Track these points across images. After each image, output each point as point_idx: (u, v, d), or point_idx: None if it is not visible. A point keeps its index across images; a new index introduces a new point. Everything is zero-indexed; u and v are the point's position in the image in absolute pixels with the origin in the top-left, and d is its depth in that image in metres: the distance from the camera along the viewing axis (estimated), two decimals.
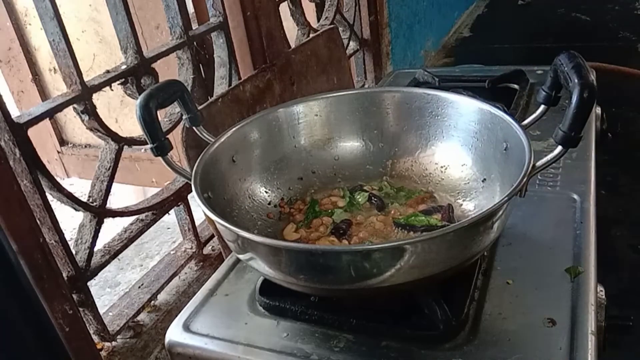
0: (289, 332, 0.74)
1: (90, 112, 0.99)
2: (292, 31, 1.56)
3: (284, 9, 1.51)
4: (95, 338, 1.01)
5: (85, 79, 0.98)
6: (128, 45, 1.06)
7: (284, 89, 1.35)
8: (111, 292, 2.28)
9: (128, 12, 1.04)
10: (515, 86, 1.32)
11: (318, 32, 1.55)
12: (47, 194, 0.91)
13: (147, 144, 0.76)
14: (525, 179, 0.65)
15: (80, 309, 0.96)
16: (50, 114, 0.92)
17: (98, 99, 1.00)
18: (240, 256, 0.72)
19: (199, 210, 0.74)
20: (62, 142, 2.26)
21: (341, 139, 0.98)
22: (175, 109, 1.19)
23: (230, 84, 1.30)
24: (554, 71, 0.73)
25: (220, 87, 1.31)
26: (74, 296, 0.95)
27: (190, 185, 0.74)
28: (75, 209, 0.99)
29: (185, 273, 1.24)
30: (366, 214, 0.87)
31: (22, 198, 0.82)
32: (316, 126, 0.96)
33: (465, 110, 0.87)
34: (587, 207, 0.89)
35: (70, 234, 2.18)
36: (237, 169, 0.87)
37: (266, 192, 0.91)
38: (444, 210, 0.84)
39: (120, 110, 2.01)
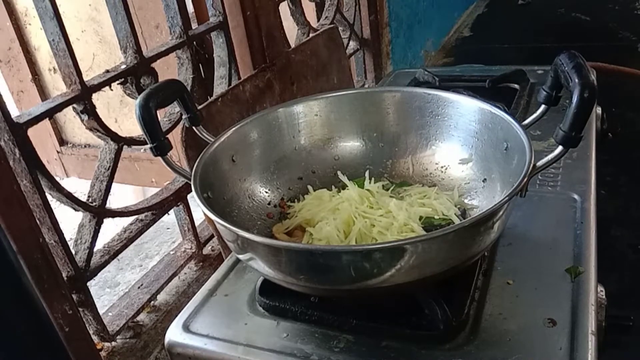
0: (289, 333, 0.73)
1: (89, 112, 0.99)
2: (292, 31, 1.55)
3: (284, 9, 1.51)
4: (95, 338, 1.01)
5: (85, 79, 0.98)
6: (128, 45, 1.06)
7: (284, 89, 1.35)
8: (111, 292, 2.28)
9: (128, 12, 1.04)
10: (516, 86, 1.32)
11: (318, 32, 1.55)
12: (46, 194, 0.91)
13: (146, 144, 0.76)
14: (525, 179, 0.65)
15: (80, 309, 0.96)
16: (50, 114, 0.92)
17: (98, 99, 1.00)
18: (240, 256, 0.72)
19: (199, 210, 0.74)
20: (62, 142, 2.26)
21: (341, 139, 0.97)
22: (175, 108, 1.19)
23: (230, 84, 1.30)
24: (554, 71, 0.73)
25: (220, 87, 1.31)
26: (74, 296, 0.95)
27: (190, 185, 0.74)
28: (75, 209, 0.99)
29: (185, 273, 1.24)
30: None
31: (22, 198, 0.82)
32: (316, 126, 0.96)
33: (465, 110, 0.87)
34: (587, 207, 0.89)
35: (70, 234, 2.18)
36: (237, 169, 0.87)
37: (266, 192, 0.91)
38: None
39: (120, 110, 2.01)
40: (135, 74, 1.07)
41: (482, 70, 1.48)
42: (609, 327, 0.74)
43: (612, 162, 2.06)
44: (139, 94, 0.87)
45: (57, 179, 0.95)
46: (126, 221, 1.12)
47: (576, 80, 0.64)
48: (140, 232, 1.11)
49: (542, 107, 0.79)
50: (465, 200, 0.86)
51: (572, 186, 0.95)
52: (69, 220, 2.18)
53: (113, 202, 1.38)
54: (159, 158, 0.76)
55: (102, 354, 1.03)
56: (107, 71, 1.03)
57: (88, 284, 1.00)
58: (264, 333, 0.74)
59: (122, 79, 1.05)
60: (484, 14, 3.93)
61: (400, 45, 2.46)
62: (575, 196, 0.92)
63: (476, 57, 1.72)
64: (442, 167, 0.92)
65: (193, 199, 0.76)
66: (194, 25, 1.28)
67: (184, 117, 0.85)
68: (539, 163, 0.68)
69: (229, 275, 0.87)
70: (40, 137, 2.17)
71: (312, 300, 0.76)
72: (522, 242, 0.84)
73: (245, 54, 1.30)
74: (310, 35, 1.58)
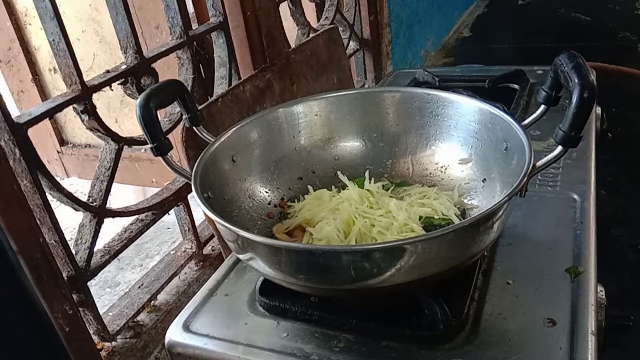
0: (289, 332, 0.74)
1: (90, 112, 0.99)
2: (292, 31, 1.55)
3: (284, 9, 1.51)
4: (95, 338, 1.01)
5: (85, 79, 0.98)
6: (128, 45, 1.06)
7: (284, 89, 1.35)
8: (111, 292, 2.28)
9: (128, 12, 1.04)
10: (515, 86, 1.32)
11: (318, 32, 1.55)
12: (47, 194, 0.91)
13: (147, 144, 0.76)
14: (525, 179, 0.65)
15: (80, 309, 0.96)
16: (50, 114, 0.92)
17: (98, 99, 1.00)
18: (240, 256, 0.72)
19: (199, 210, 0.74)
20: (62, 142, 2.26)
21: (341, 139, 0.98)
22: (175, 109, 1.19)
23: (230, 84, 1.30)
24: (554, 71, 0.73)
25: (220, 87, 1.31)
26: (74, 296, 0.95)
27: (190, 185, 0.74)
28: (75, 209, 0.99)
29: (185, 273, 1.24)
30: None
31: (22, 198, 0.82)
32: (316, 126, 0.96)
33: (465, 110, 0.87)
34: (587, 207, 0.89)
35: (70, 233, 2.19)
36: (237, 169, 0.87)
37: (266, 192, 0.91)
38: None
39: (120, 110, 2.01)
40: (136, 74, 1.07)
41: (482, 70, 1.48)
42: (609, 327, 0.74)
43: (612, 162, 2.06)
44: (139, 94, 0.87)
45: (58, 179, 0.95)
46: (126, 221, 1.12)
47: (576, 80, 0.64)
48: (140, 232, 1.11)
49: (542, 107, 0.79)
50: (465, 200, 0.86)
51: (572, 186, 0.95)
52: (69, 220, 2.18)
53: (113, 202, 1.38)
54: (160, 158, 0.76)
55: (103, 353, 1.03)
56: (108, 71, 1.03)
57: (88, 283, 1.00)
58: (264, 333, 0.74)
59: (123, 79, 1.05)
60: (484, 14, 3.93)
61: (400, 45, 2.46)
62: (575, 196, 0.92)
63: (476, 57, 1.73)
64: (442, 167, 0.92)
65: (193, 198, 0.76)
66: (194, 26, 1.28)
67: (184, 117, 0.85)
68: (539, 163, 0.68)
69: (229, 275, 0.87)
70: (41, 137, 2.17)
71: (312, 300, 0.76)
72: (522, 242, 0.84)
73: (245, 54, 1.30)
74: (310, 35, 1.58)
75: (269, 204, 0.91)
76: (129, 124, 2.02)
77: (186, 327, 0.77)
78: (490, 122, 0.83)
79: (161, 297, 1.17)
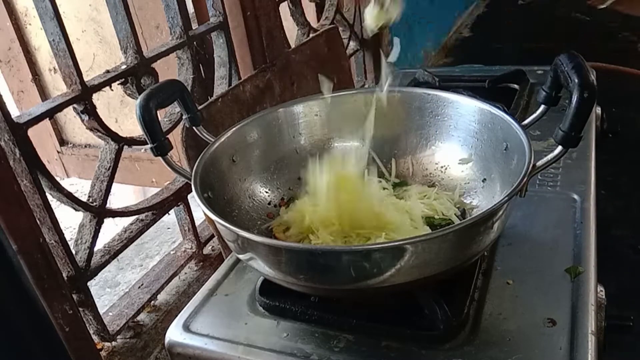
0: (289, 332, 0.74)
1: (90, 112, 0.99)
2: (292, 31, 1.55)
3: (284, 9, 1.51)
4: (95, 338, 1.01)
5: (85, 79, 0.98)
6: (128, 45, 1.06)
7: (284, 89, 1.35)
8: (111, 292, 2.28)
9: (128, 12, 1.04)
10: (515, 86, 1.32)
11: (318, 32, 1.55)
12: (47, 194, 0.91)
13: (147, 144, 0.76)
14: (525, 179, 0.65)
15: (80, 309, 0.96)
16: (50, 114, 0.92)
17: (98, 99, 1.00)
18: (240, 256, 0.72)
19: (199, 210, 0.74)
20: (62, 142, 2.26)
21: (341, 139, 0.98)
22: (175, 109, 1.19)
23: (230, 84, 1.30)
24: (554, 71, 0.73)
25: (220, 87, 1.31)
26: (74, 296, 0.95)
27: (190, 185, 0.74)
28: (75, 209, 0.99)
29: (185, 273, 1.24)
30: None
31: (22, 198, 0.82)
32: (316, 126, 0.96)
33: (465, 110, 0.87)
34: (587, 207, 0.89)
35: (70, 233, 2.19)
36: (237, 169, 0.87)
37: (266, 192, 0.91)
38: None
39: (120, 110, 2.01)
40: (136, 74, 1.07)
41: (482, 70, 1.48)
42: (609, 327, 0.75)
43: (612, 162, 2.06)
44: (139, 94, 0.87)
45: (58, 179, 0.95)
46: (126, 221, 1.12)
47: (576, 80, 0.64)
48: (140, 232, 1.11)
49: (542, 107, 0.79)
50: (465, 200, 0.86)
51: (572, 186, 0.95)
52: (69, 220, 2.18)
53: (113, 202, 1.38)
54: (160, 158, 0.76)
55: (103, 353, 1.03)
56: (108, 71, 1.03)
57: (88, 283, 1.00)
58: (264, 333, 0.74)
59: (123, 79, 1.05)
60: (484, 14, 3.93)
61: (400, 46, 2.46)
62: (575, 196, 0.92)
63: (476, 57, 1.73)
64: (442, 167, 0.92)
65: (193, 198, 0.76)
66: (194, 26, 1.28)
67: (184, 117, 0.85)
68: (539, 163, 0.68)
69: (229, 275, 0.87)
70: (41, 137, 2.17)
71: (312, 300, 0.76)
72: (522, 242, 0.84)
73: (245, 54, 1.30)
74: (310, 35, 1.58)
75: (269, 204, 0.91)
76: (129, 124, 2.02)
77: (186, 327, 0.77)
78: (490, 122, 0.83)
79: (161, 297, 1.17)
